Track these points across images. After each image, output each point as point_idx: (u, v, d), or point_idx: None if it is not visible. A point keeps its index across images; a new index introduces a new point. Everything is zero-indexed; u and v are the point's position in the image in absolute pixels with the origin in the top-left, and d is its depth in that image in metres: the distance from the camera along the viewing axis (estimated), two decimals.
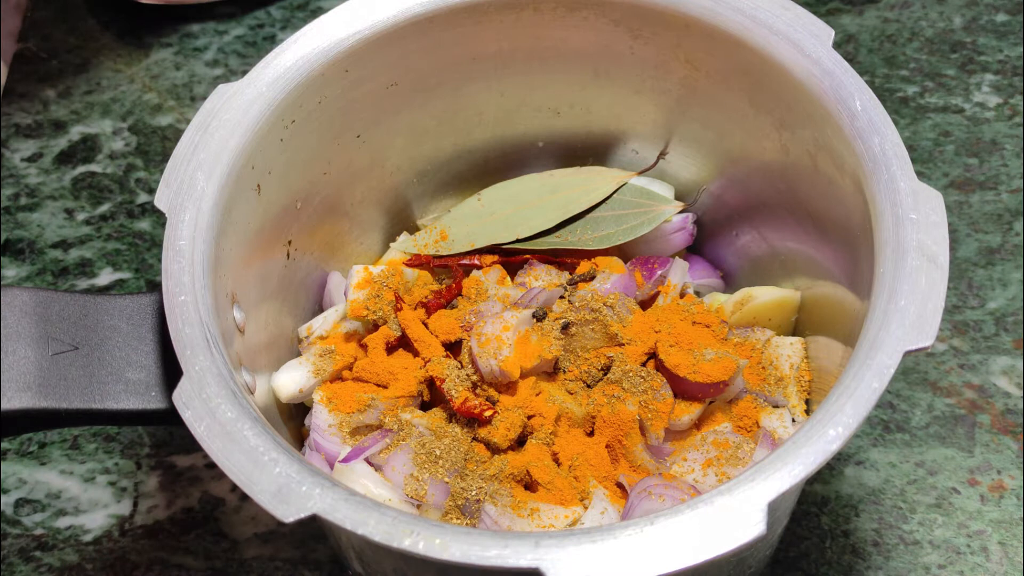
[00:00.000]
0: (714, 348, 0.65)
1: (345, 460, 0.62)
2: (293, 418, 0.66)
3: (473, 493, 0.60)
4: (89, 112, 0.96)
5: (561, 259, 0.72)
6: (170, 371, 0.57)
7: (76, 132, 0.95)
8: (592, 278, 0.68)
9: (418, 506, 0.61)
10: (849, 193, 0.59)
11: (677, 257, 0.72)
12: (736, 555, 0.46)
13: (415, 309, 0.67)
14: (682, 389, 0.64)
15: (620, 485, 0.62)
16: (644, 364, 0.65)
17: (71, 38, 1.02)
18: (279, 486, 0.48)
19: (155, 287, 0.72)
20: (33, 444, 0.77)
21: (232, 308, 0.59)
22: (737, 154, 0.70)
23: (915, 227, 0.53)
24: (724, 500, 0.46)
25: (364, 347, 0.66)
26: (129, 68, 0.99)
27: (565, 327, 0.65)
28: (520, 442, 0.64)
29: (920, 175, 0.70)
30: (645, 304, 0.70)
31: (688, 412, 0.64)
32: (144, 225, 0.89)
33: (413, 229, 0.76)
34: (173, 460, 0.76)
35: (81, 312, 0.58)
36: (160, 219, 0.88)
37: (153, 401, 0.57)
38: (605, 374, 0.65)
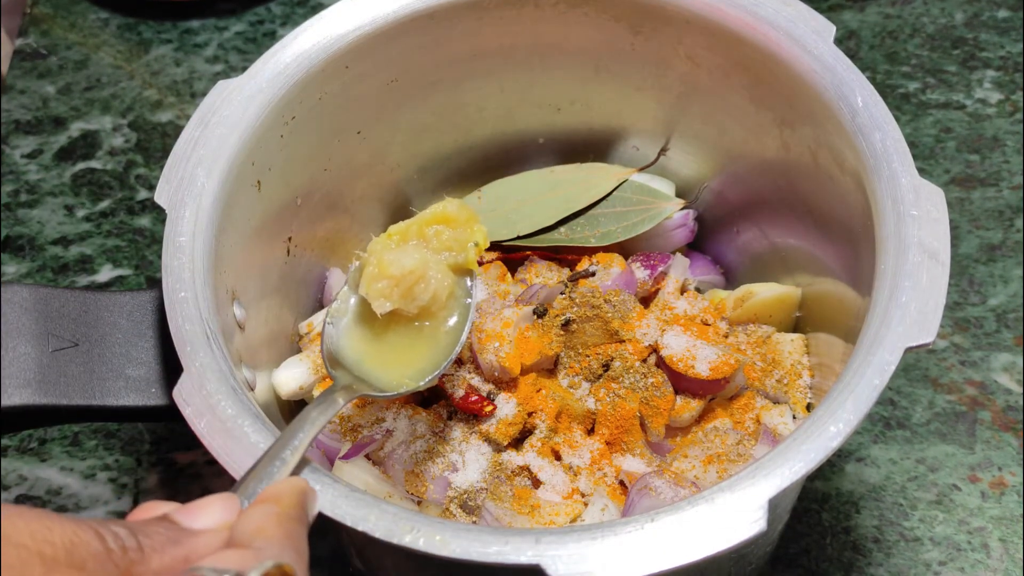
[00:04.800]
0: (715, 345, 0.65)
1: (346, 457, 0.62)
2: (293, 414, 0.66)
3: (474, 489, 0.60)
4: (89, 108, 0.96)
5: (562, 256, 0.72)
6: (170, 368, 0.57)
7: (76, 128, 0.95)
8: (592, 274, 0.68)
9: (418, 502, 0.61)
10: (850, 190, 0.58)
11: (678, 253, 0.72)
12: (736, 552, 0.46)
13: None
14: (683, 386, 0.64)
15: (620, 482, 0.62)
16: (645, 360, 0.65)
17: (71, 34, 1.01)
18: None
19: (155, 283, 0.72)
20: (33, 441, 0.77)
21: (232, 305, 0.59)
22: (738, 151, 0.70)
23: (916, 223, 0.53)
24: (725, 497, 0.46)
25: None
26: (129, 64, 0.99)
27: (566, 323, 0.65)
28: (520, 438, 0.64)
29: (921, 171, 0.70)
30: (646, 300, 0.70)
31: (689, 409, 0.64)
32: (144, 221, 0.89)
33: None
34: (173, 457, 0.76)
35: (81, 308, 0.58)
36: (160, 215, 0.88)
37: (153, 397, 0.57)
38: (606, 370, 0.65)
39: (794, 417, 0.65)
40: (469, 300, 0.58)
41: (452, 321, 0.57)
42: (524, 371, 0.64)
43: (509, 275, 0.71)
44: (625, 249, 0.72)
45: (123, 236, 0.88)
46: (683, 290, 0.71)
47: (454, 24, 0.66)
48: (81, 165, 0.92)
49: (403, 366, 0.56)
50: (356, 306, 0.58)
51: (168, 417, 0.55)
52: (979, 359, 0.78)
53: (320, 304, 0.72)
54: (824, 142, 0.60)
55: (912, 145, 0.74)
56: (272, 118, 0.61)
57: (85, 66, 0.99)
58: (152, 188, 0.90)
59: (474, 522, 0.59)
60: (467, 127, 0.74)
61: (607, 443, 0.64)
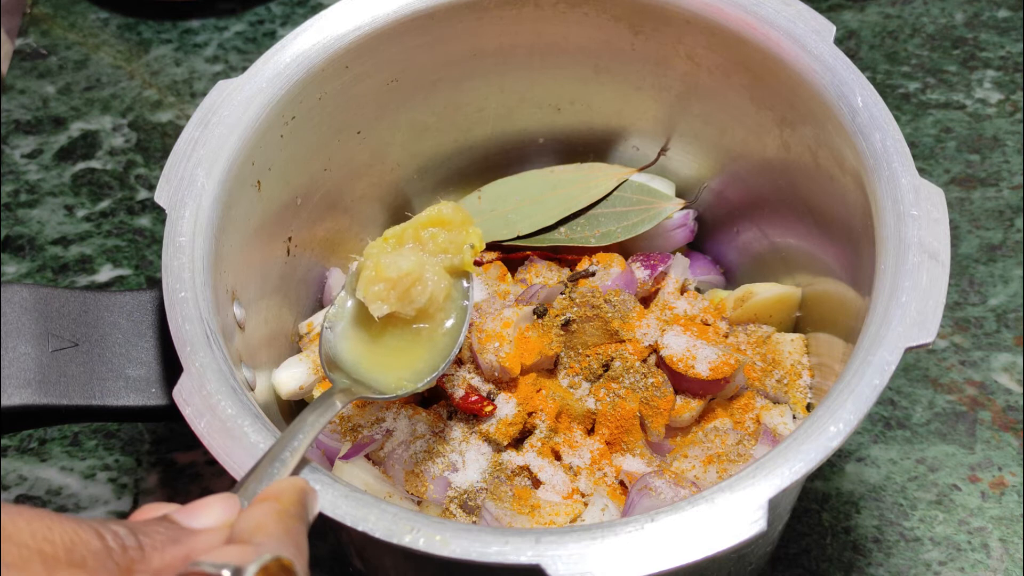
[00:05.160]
0: (715, 345, 0.65)
1: (346, 457, 0.62)
2: (293, 414, 0.66)
3: (474, 489, 0.60)
4: (89, 108, 0.96)
5: (562, 256, 0.72)
6: (170, 367, 0.57)
7: (76, 128, 0.95)
8: (592, 274, 0.68)
9: (418, 502, 0.61)
10: (850, 190, 0.58)
11: (678, 253, 0.72)
12: (736, 552, 0.46)
13: None
14: (683, 386, 0.64)
15: (620, 482, 0.62)
16: (645, 360, 0.65)
17: (71, 34, 1.01)
18: None
19: (155, 284, 0.72)
20: (33, 441, 0.77)
21: (232, 304, 0.59)
22: (738, 151, 0.70)
23: (916, 224, 0.53)
24: (725, 497, 0.46)
25: None
26: (129, 64, 0.99)
27: (566, 323, 0.65)
28: (520, 438, 0.64)
29: (921, 172, 0.70)
30: (646, 300, 0.70)
31: (689, 409, 0.64)
32: (144, 221, 0.89)
33: None
34: (173, 457, 0.76)
35: (81, 309, 0.58)
36: (160, 215, 0.88)
37: (153, 397, 0.57)
38: (606, 370, 0.65)
39: (794, 417, 0.65)
40: (466, 302, 0.58)
41: (449, 323, 0.57)
42: (524, 371, 0.63)
43: (509, 275, 0.71)
44: (625, 249, 0.72)
45: (123, 236, 0.88)
46: (683, 290, 0.71)
47: (454, 24, 0.66)
48: (81, 165, 0.92)
49: (401, 368, 0.57)
50: (353, 309, 0.58)
51: (168, 417, 0.55)
52: (979, 359, 0.78)
53: (320, 304, 0.72)
54: (824, 142, 0.60)
55: (912, 145, 0.74)
56: (272, 118, 0.61)
57: (85, 66, 0.99)
58: (152, 188, 0.90)
59: (474, 522, 0.59)
60: (467, 127, 0.74)
61: (607, 443, 0.64)
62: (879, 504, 0.72)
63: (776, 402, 0.66)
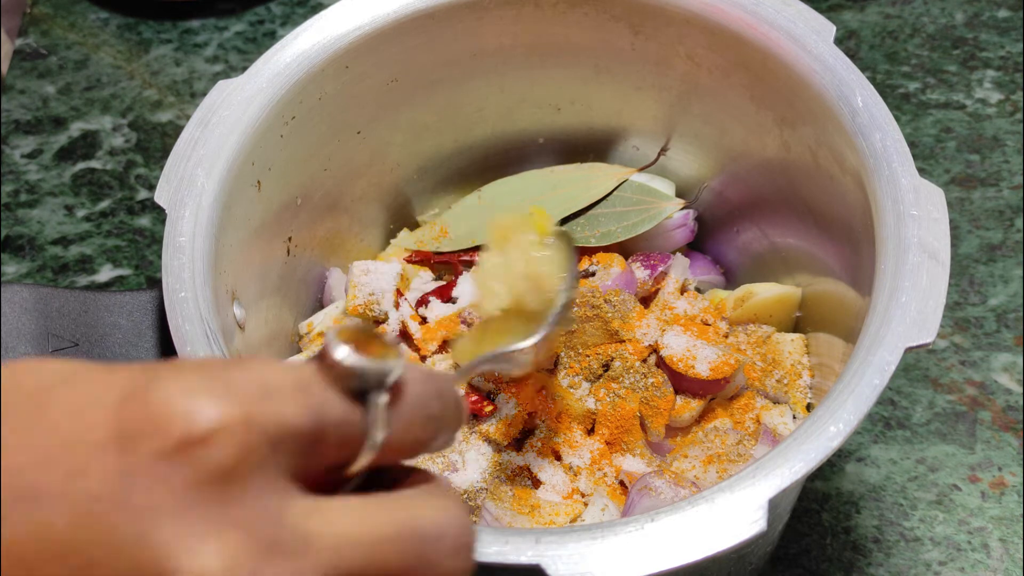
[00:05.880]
0: (715, 345, 0.65)
1: None
2: None
3: (473, 490, 0.60)
4: (89, 108, 0.96)
5: None
6: None
7: (76, 128, 0.95)
8: (592, 274, 0.68)
9: None
10: (850, 189, 0.58)
11: (678, 253, 0.72)
12: (736, 552, 0.46)
13: (415, 305, 0.67)
14: (683, 386, 0.64)
15: (620, 482, 0.62)
16: (645, 360, 0.65)
17: (71, 34, 1.01)
18: None
19: (155, 284, 0.72)
20: None
21: (232, 305, 0.59)
22: (738, 150, 0.70)
23: (916, 223, 0.53)
24: (725, 497, 0.46)
25: None
26: (129, 64, 0.99)
27: None
28: (521, 438, 0.64)
29: (921, 171, 0.70)
30: (646, 300, 0.70)
31: (689, 409, 0.64)
32: (144, 221, 0.89)
33: (414, 225, 0.76)
34: None
35: (81, 309, 0.58)
36: (160, 215, 0.88)
37: None
38: (606, 370, 0.65)
39: (794, 417, 0.65)
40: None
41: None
42: None
43: None
44: (625, 249, 0.72)
45: (123, 236, 0.88)
46: (683, 290, 0.71)
47: (454, 24, 0.66)
48: (81, 165, 0.92)
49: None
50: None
51: None
52: (979, 359, 0.78)
53: (320, 304, 0.72)
54: (824, 142, 0.60)
55: (912, 145, 0.74)
56: (272, 118, 0.61)
57: (85, 66, 0.99)
58: (152, 188, 0.90)
59: (474, 522, 0.59)
60: (467, 127, 0.74)
61: (607, 443, 0.64)
62: (879, 504, 0.72)
63: (776, 402, 0.66)
